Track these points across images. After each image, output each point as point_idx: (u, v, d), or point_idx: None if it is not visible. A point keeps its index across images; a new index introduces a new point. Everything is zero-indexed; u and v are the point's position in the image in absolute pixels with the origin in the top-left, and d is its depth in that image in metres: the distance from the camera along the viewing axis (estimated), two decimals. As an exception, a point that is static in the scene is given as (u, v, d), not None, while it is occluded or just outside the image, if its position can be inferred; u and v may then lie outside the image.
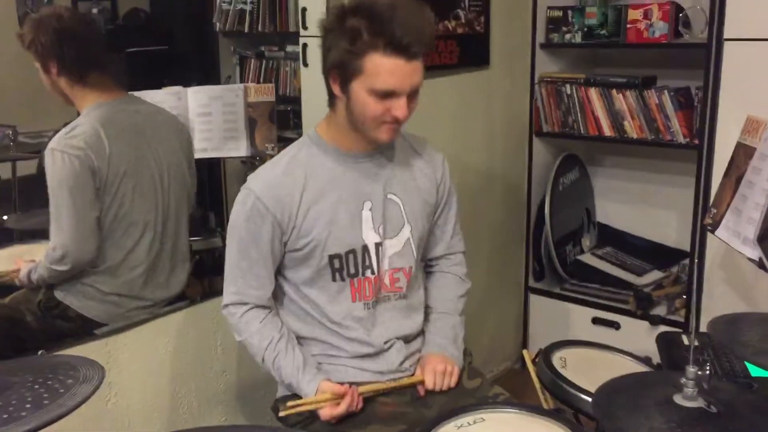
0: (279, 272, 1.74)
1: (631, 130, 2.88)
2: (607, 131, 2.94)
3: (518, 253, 3.22)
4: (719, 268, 2.53)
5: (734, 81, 2.42)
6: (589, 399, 1.65)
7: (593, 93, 2.94)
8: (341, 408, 1.62)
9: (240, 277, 1.69)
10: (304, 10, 2.26)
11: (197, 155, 2.39)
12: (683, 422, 1.25)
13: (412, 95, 1.59)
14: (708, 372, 1.32)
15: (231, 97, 2.43)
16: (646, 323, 2.87)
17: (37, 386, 1.17)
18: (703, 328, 1.86)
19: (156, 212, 2.15)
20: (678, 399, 1.31)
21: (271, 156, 2.42)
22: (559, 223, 3.13)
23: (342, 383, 1.66)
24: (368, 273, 1.71)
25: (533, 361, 1.93)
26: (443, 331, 1.82)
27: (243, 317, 1.70)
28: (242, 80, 3.63)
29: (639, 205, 3.27)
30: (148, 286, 2.16)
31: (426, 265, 1.92)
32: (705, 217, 2.11)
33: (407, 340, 1.78)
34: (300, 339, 1.74)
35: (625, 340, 2.49)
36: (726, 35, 2.40)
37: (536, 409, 1.60)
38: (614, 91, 2.88)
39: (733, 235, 1.88)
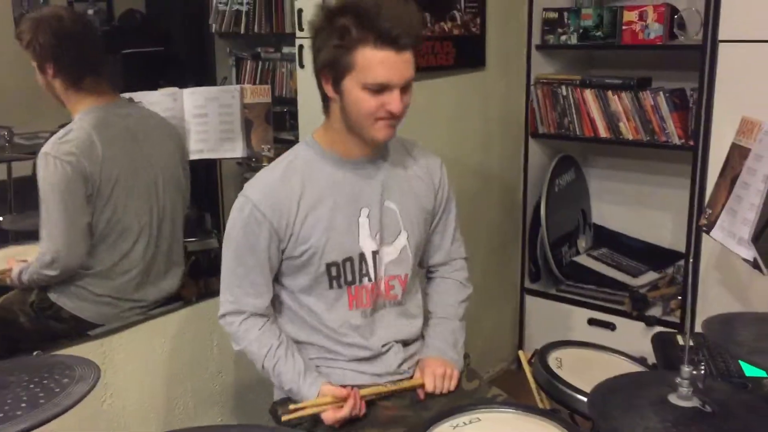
0: (276, 279, 1.72)
1: (627, 131, 2.88)
2: (603, 132, 2.95)
3: (514, 254, 3.22)
4: (714, 268, 2.54)
5: (729, 82, 2.43)
6: (585, 399, 1.65)
7: (589, 94, 2.94)
8: (344, 411, 1.59)
9: (236, 285, 1.67)
10: (300, 11, 2.27)
11: (193, 156, 2.39)
12: (678, 422, 1.25)
13: (405, 89, 1.59)
14: (703, 372, 1.33)
15: (227, 99, 2.43)
16: (641, 324, 2.87)
17: (32, 385, 1.17)
18: (698, 329, 1.86)
19: (151, 216, 2.15)
20: (673, 399, 1.31)
21: (267, 157, 2.42)
22: (554, 225, 3.13)
23: (340, 386, 1.65)
24: (365, 281, 1.70)
25: (529, 362, 1.94)
26: (443, 336, 1.81)
27: (241, 326, 1.68)
28: (238, 81, 3.63)
29: (634, 206, 3.28)
30: (142, 288, 2.16)
31: (427, 271, 1.91)
32: (700, 218, 2.12)
33: (405, 343, 1.77)
34: (297, 343, 1.72)
35: (621, 341, 2.49)
36: (721, 37, 2.41)
37: (532, 409, 1.60)
38: (610, 93, 2.89)
39: (728, 235, 1.88)
